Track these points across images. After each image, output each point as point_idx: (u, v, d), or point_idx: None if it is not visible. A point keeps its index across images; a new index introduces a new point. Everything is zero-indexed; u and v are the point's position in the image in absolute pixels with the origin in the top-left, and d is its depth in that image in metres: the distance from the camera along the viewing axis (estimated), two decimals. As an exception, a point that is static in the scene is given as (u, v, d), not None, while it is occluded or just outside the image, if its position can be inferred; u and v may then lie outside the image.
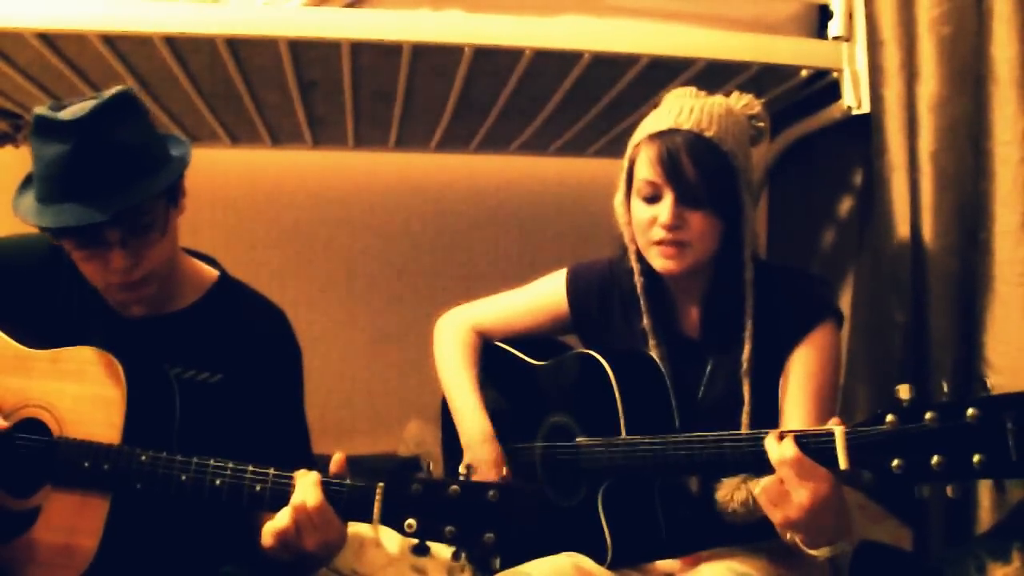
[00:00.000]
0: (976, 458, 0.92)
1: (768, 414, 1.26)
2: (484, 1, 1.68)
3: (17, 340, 1.27)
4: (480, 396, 1.45)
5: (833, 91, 1.85)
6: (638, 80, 1.82)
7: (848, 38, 1.80)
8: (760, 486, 1.07)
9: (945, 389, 0.98)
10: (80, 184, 1.14)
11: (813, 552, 1.09)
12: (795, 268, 1.54)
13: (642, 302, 1.34)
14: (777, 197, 2.36)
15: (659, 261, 1.27)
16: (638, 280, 1.34)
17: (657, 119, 1.27)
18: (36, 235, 1.23)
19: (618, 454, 1.26)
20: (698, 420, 1.28)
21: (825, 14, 1.83)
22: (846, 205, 2.05)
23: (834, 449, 1.02)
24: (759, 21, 1.81)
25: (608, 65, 1.75)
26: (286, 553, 1.10)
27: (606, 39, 1.68)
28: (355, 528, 1.59)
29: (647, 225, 1.26)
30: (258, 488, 1.13)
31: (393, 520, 1.06)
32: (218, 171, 2.47)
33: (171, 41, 1.62)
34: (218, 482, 1.14)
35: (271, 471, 1.13)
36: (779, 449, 1.04)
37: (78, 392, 1.21)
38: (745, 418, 1.26)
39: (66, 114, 1.14)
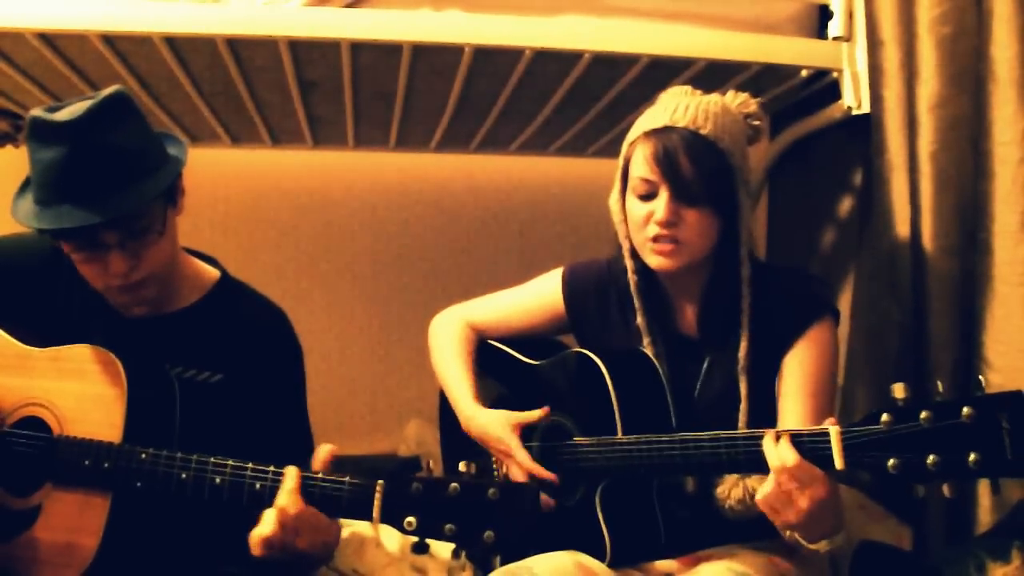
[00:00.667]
0: (972, 457, 0.92)
1: (765, 412, 1.26)
2: (484, 1, 1.68)
3: (18, 339, 1.28)
4: (475, 382, 1.44)
5: (833, 91, 1.85)
6: (638, 80, 1.82)
7: (848, 38, 1.80)
8: (761, 494, 1.07)
9: (940, 388, 0.98)
10: (77, 186, 1.14)
11: (812, 546, 1.10)
12: (791, 267, 1.55)
13: (637, 300, 1.34)
14: (777, 197, 2.36)
15: (654, 258, 1.27)
16: (632, 278, 1.34)
17: (653, 117, 1.27)
18: (37, 234, 1.23)
19: (615, 454, 1.26)
20: (695, 418, 1.28)
21: (825, 14, 1.83)
22: (846, 205, 2.05)
23: (830, 449, 1.02)
24: (759, 21, 1.81)
25: (608, 65, 1.75)
26: (281, 555, 1.10)
27: (606, 39, 1.68)
28: (355, 528, 1.61)
29: (642, 222, 1.26)
30: (258, 486, 1.13)
31: (393, 518, 1.06)
32: (218, 171, 2.48)
33: (171, 41, 1.62)
34: (218, 480, 1.14)
35: (271, 469, 1.13)
36: (778, 455, 1.04)
37: (79, 391, 1.22)
38: (742, 416, 1.26)
39: (61, 116, 1.14)
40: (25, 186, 1.23)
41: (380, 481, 1.07)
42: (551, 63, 1.75)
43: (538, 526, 1.07)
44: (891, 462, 0.97)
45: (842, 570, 1.46)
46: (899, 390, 0.99)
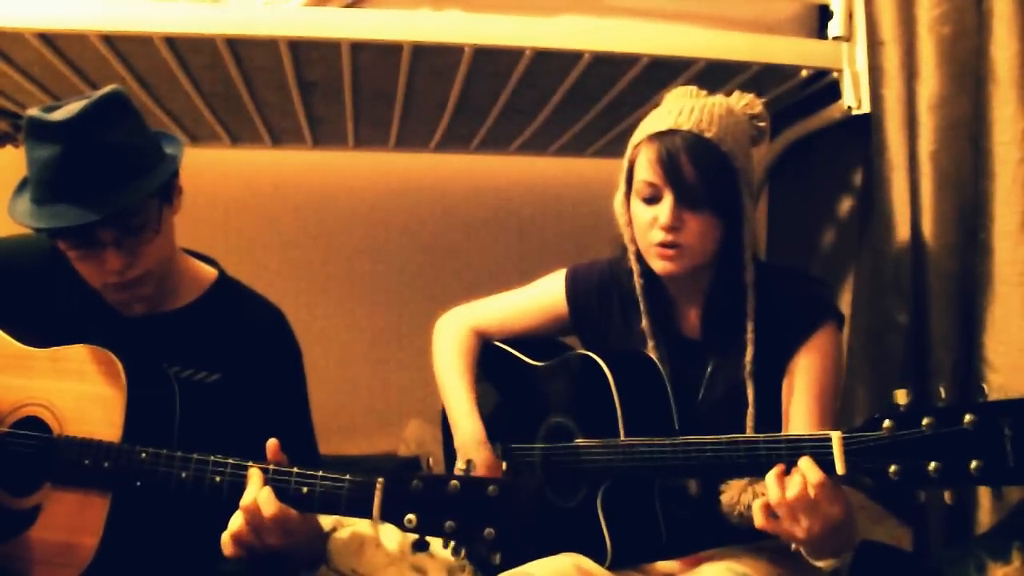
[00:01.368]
0: (973, 464, 0.91)
1: (768, 416, 1.26)
2: (484, 1, 1.68)
3: (17, 339, 1.28)
4: (475, 400, 1.43)
5: (833, 91, 1.85)
6: (638, 80, 1.82)
7: (848, 38, 1.80)
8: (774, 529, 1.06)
9: (943, 395, 0.97)
10: (73, 185, 1.15)
11: (818, 563, 1.09)
12: (794, 270, 1.54)
13: (641, 303, 1.34)
14: (777, 197, 2.36)
15: (658, 263, 1.26)
16: (638, 281, 1.33)
17: (657, 119, 1.26)
18: (36, 235, 1.23)
19: (617, 456, 1.25)
20: (698, 421, 1.28)
21: (825, 14, 1.83)
22: (846, 205, 2.05)
23: (831, 454, 1.02)
24: (759, 21, 1.81)
25: (608, 65, 1.75)
26: (259, 550, 1.09)
27: (606, 39, 1.68)
28: (355, 528, 1.60)
29: (647, 226, 1.26)
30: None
31: (393, 515, 1.06)
32: (218, 171, 2.48)
33: (171, 41, 1.62)
34: (218, 479, 1.14)
35: (271, 467, 1.13)
36: (794, 488, 1.01)
37: (78, 390, 1.22)
38: (750, 420, 1.25)
39: (57, 115, 1.14)
40: (22, 186, 1.23)
41: (380, 479, 1.07)
42: (551, 63, 1.75)
43: (538, 523, 1.07)
44: (892, 468, 0.97)
45: (842, 571, 1.46)
46: (901, 396, 0.98)
